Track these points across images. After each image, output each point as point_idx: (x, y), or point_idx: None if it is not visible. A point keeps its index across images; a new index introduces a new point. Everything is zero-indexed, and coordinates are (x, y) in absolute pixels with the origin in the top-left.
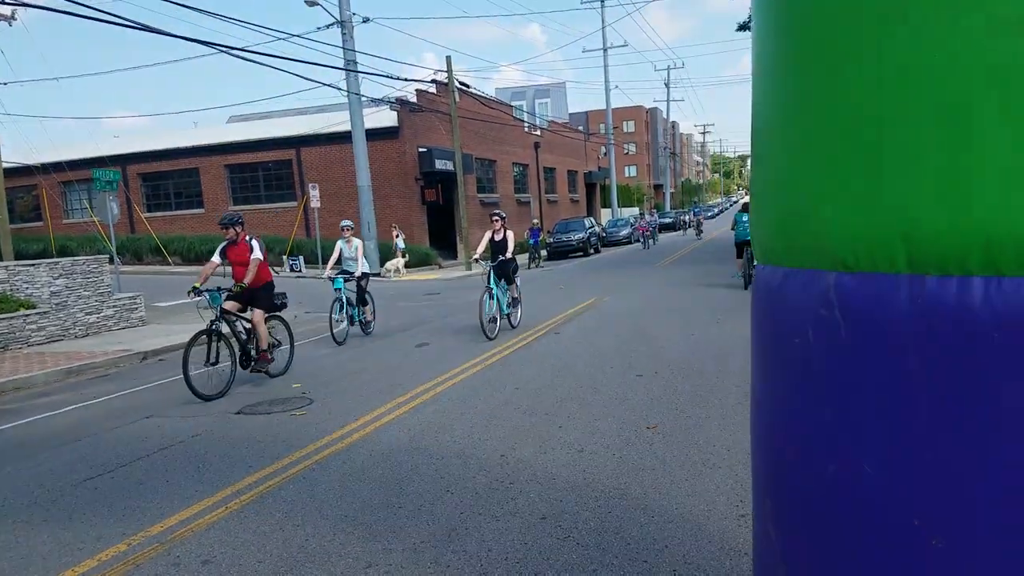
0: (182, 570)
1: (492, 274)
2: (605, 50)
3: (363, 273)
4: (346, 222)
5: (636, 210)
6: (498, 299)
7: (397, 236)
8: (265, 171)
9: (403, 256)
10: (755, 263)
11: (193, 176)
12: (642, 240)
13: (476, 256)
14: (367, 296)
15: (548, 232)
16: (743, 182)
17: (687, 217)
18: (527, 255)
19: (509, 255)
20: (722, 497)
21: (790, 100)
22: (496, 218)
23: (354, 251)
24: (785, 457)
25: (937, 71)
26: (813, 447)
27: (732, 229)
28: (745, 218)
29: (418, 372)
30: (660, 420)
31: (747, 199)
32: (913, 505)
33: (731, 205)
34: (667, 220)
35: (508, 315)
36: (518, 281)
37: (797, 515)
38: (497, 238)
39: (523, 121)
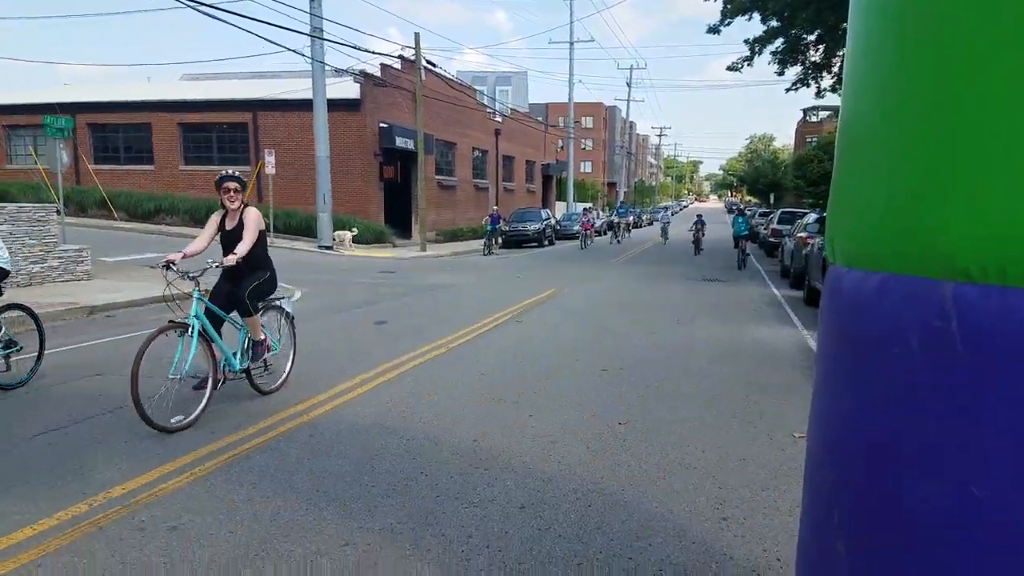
0: (147, 535)
1: (200, 298)
2: (572, 44)
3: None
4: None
5: (589, 204)
6: (213, 343)
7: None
8: (220, 132)
9: (351, 231)
10: (832, 265)
11: (144, 131)
12: (581, 238)
13: (180, 257)
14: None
15: (504, 221)
16: (693, 187)
17: (626, 219)
18: (483, 241)
19: (245, 251)
20: (702, 498)
21: (905, 85)
22: (230, 190)
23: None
24: (865, 471)
25: None
26: (905, 463)
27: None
28: (741, 220)
29: (379, 350)
30: (630, 416)
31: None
32: None
33: (680, 209)
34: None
35: (247, 370)
36: (288, 308)
37: (879, 532)
38: (229, 225)
39: (485, 106)
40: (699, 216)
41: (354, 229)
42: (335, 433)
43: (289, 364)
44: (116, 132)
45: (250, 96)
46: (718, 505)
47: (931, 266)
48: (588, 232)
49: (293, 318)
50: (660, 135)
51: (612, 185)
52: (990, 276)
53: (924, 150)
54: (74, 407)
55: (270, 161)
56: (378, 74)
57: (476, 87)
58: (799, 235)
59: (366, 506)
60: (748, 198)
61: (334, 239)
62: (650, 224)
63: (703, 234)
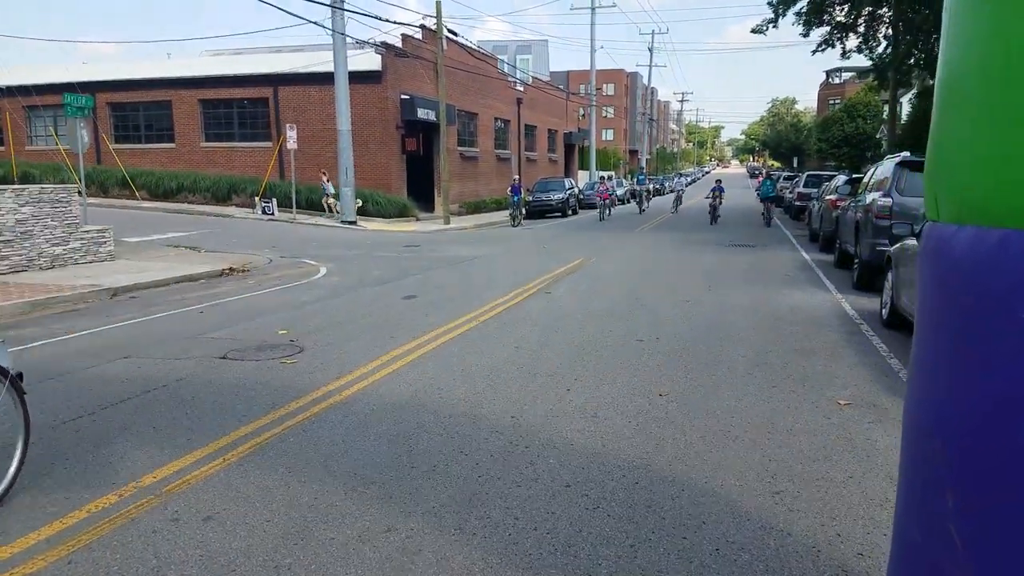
0: (182, 526)
1: None
2: (593, 9)
3: None
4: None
5: (609, 173)
6: None
7: (327, 181)
8: (240, 108)
9: (334, 198)
10: (934, 223)
11: (165, 109)
12: (600, 208)
13: None
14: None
15: (528, 190)
16: (715, 152)
17: (646, 187)
18: (508, 212)
19: None
20: (751, 472)
21: (1020, 18)
22: None
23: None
24: (991, 431)
25: None
26: None
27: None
28: (768, 182)
29: (410, 325)
30: (669, 387)
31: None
32: None
33: (703, 175)
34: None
35: None
36: (5, 363)
37: (1003, 512)
38: None
39: (507, 75)
40: (718, 182)
41: (359, 201)
42: (369, 413)
43: (15, 464)
44: (136, 110)
45: (270, 71)
46: (769, 478)
47: None
48: (607, 201)
49: (18, 377)
50: (682, 101)
51: (634, 153)
52: None
53: None
54: (101, 392)
55: (291, 136)
56: (399, 45)
57: (497, 56)
58: (828, 198)
59: (406, 489)
60: (771, 162)
61: (334, 211)
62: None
63: (720, 202)
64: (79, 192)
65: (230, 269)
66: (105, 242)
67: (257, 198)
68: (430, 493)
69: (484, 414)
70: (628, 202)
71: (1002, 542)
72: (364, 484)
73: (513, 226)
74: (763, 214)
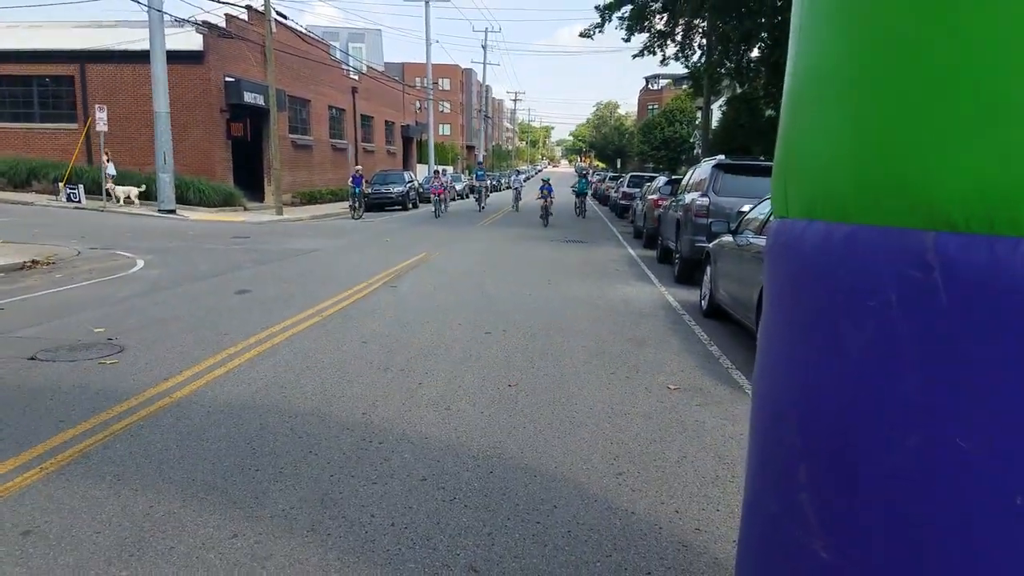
0: None
1: None
2: (427, 1)
3: None
4: None
5: (444, 167)
6: None
7: (108, 162)
8: (42, 87)
9: (112, 181)
10: (782, 219)
11: None
12: (434, 204)
13: None
14: None
15: (367, 182)
16: (546, 152)
17: (484, 183)
18: (348, 204)
19: None
20: (596, 455)
21: (874, 24)
22: None
23: None
24: (838, 430)
25: None
26: (885, 418)
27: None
28: (582, 181)
29: (245, 321)
30: (518, 378)
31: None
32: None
33: (536, 173)
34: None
35: None
36: None
37: (851, 484)
38: None
39: (341, 63)
40: (545, 182)
41: (143, 186)
42: (205, 415)
43: None
44: None
45: (77, 47)
46: (612, 460)
47: (909, 216)
48: (442, 197)
49: None
50: (515, 100)
51: (471, 148)
52: (976, 226)
53: (902, 97)
54: None
55: (101, 118)
56: (223, 25)
57: (329, 42)
58: (651, 198)
59: (252, 493)
60: (597, 163)
61: (114, 197)
62: (508, 188)
63: (550, 201)
64: None
65: (33, 262)
66: None
67: (61, 184)
68: (278, 496)
69: (333, 411)
70: (467, 197)
71: (848, 516)
72: (204, 490)
73: (354, 218)
74: (576, 206)
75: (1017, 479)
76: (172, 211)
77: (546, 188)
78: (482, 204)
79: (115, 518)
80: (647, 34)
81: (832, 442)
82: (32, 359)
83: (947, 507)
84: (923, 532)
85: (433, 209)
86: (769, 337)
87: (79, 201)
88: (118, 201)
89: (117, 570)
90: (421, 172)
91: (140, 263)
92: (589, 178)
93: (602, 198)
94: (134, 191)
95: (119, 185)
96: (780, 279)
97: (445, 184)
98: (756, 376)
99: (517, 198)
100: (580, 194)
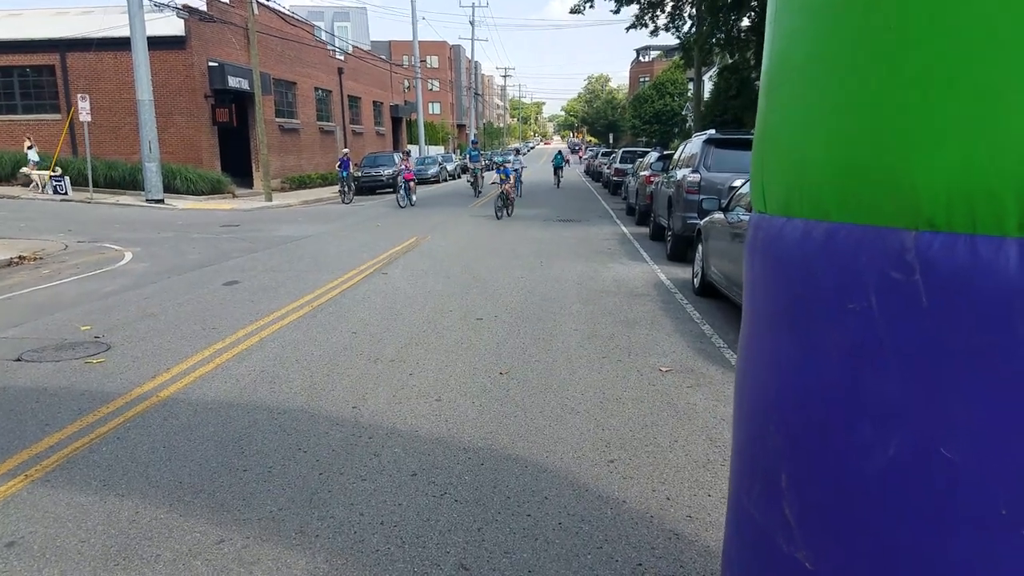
0: None
1: None
2: None
3: None
4: None
5: (441, 149)
6: None
7: (30, 148)
8: (22, 77)
9: (36, 169)
10: (761, 214)
11: None
12: (398, 191)
13: None
14: None
15: (356, 165)
16: (538, 128)
17: (478, 163)
18: (337, 188)
19: None
20: (587, 442)
21: (852, 17)
22: None
23: None
24: (818, 431)
25: None
26: (865, 422)
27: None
28: (558, 155)
29: (234, 314)
30: (509, 364)
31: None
32: (1003, 493)
33: (529, 150)
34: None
35: None
36: None
37: (833, 490)
38: None
39: (325, 43)
40: (559, 154)
41: (57, 168)
42: (193, 414)
43: None
44: None
45: (57, 35)
46: (604, 447)
47: (889, 215)
48: (409, 184)
49: None
50: (505, 76)
51: (462, 127)
52: (958, 224)
53: (882, 91)
54: None
55: (84, 107)
56: (204, 8)
57: (314, 23)
58: (643, 174)
59: (239, 495)
60: (589, 138)
61: (27, 178)
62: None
63: (510, 187)
64: None
65: (20, 257)
66: None
67: (47, 175)
68: (266, 497)
69: (323, 406)
70: (459, 177)
71: (826, 520)
72: (191, 494)
73: (344, 203)
74: (556, 177)
75: (1000, 483)
76: (160, 200)
77: (504, 171)
78: (479, 188)
79: (101, 526)
80: (637, 5)
81: (812, 444)
82: (18, 360)
83: (927, 513)
84: (901, 539)
85: (396, 200)
86: (750, 334)
87: (65, 193)
88: (39, 188)
89: None
90: (413, 153)
91: (128, 256)
92: (581, 154)
93: (595, 174)
94: (46, 175)
95: (42, 171)
96: (761, 276)
97: (410, 167)
98: (737, 375)
99: (518, 181)
100: (557, 167)
